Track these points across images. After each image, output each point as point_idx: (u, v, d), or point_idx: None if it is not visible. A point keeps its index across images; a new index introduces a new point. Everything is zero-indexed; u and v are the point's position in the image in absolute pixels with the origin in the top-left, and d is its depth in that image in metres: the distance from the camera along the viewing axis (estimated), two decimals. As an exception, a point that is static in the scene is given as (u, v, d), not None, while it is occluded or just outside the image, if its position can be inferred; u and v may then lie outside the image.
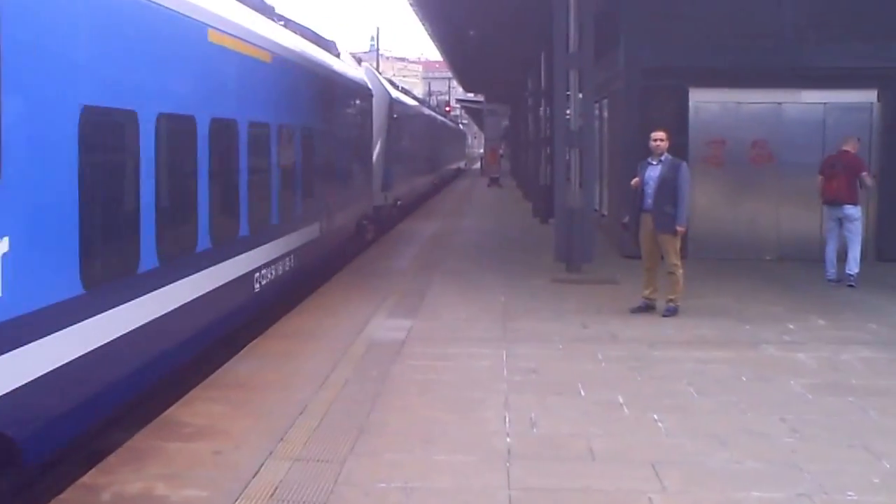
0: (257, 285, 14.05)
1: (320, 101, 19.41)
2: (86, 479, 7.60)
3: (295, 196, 16.74)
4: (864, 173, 17.54)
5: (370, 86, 27.33)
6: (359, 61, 29.75)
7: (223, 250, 12.48)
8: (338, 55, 23.72)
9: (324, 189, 19.09)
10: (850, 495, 7.28)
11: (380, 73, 37.06)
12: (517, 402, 9.71)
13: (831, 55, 20.59)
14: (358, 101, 24.58)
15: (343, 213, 21.40)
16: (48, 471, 8.69)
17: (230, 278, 12.76)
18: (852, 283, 17.18)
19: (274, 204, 15.19)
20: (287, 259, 15.82)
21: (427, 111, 54.53)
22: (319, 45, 20.87)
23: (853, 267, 17.36)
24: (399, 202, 33.50)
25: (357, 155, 24.14)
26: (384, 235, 28.25)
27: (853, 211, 17.55)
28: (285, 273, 15.66)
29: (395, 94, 34.41)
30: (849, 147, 17.84)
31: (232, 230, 13.08)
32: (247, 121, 13.56)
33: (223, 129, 12.66)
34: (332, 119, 20.91)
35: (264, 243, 14.46)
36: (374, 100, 27.65)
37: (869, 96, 21.15)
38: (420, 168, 44.06)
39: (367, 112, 26.08)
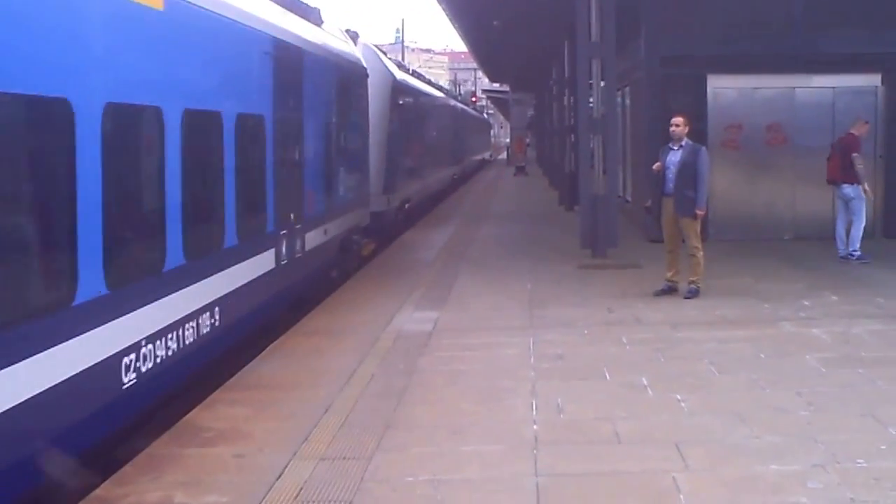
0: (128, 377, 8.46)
1: (278, 79, 13.45)
2: (100, 491, 7.30)
3: (214, 219, 11.07)
4: (854, 154, 17.44)
5: (365, 65, 21.35)
6: (355, 37, 23.12)
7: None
8: (319, 24, 17.52)
9: (283, 202, 13.46)
10: (860, 463, 7.32)
11: (384, 53, 28.34)
12: (544, 389, 9.67)
13: (839, 41, 20.76)
14: (346, 83, 18.65)
15: (318, 232, 15.60)
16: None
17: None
18: (865, 260, 17.20)
19: (169, 235, 9.48)
20: (204, 319, 10.27)
21: (444, 98, 47.55)
22: (289, 9, 15.13)
23: (853, 244, 17.47)
24: (408, 204, 27.60)
25: (343, 151, 18.39)
26: (385, 249, 23.06)
27: (849, 190, 17.62)
28: (197, 345, 10.08)
29: (400, 75, 27.97)
30: (854, 129, 17.88)
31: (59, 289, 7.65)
32: (101, 102, 8.03)
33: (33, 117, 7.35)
34: (300, 105, 14.89)
35: (138, 307, 8.69)
36: (370, 82, 21.93)
37: (874, 80, 21.31)
38: (437, 161, 37.88)
39: (360, 97, 20.26)
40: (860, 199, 17.52)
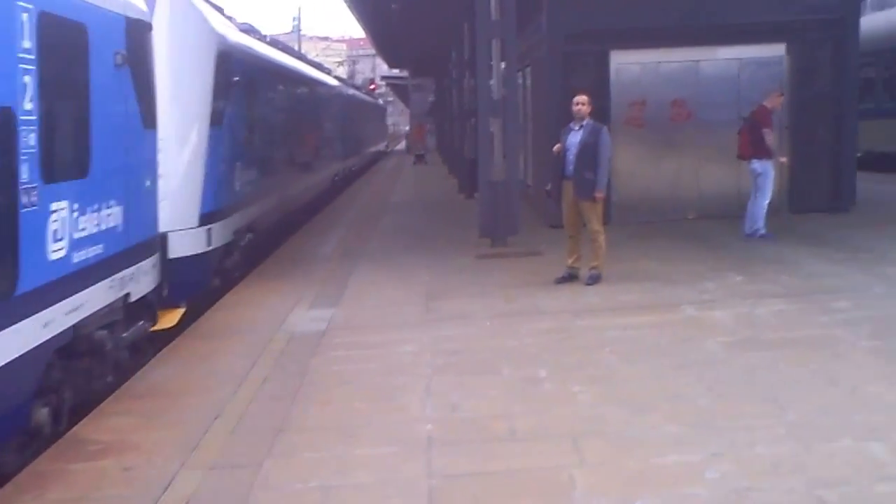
0: None
1: None
2: None
3: None
4: (765, 129, 17.75)
5: (145, 9, 12.19)
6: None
7: None
8: None
9: None
10: (758, 449, 7.48)
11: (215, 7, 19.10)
12: (439, 386, 9.71)
13: (743, 11, 20.97)
14: (81, 40, 9.81)
15: None
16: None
17: None
18: (769, 238, 17.55)
19: None
20: None
21: (320, 77, 36.37)
22: None
23: (756, 222, 17.90)
24: (252, 235, 18.42)
25: (79, 159, 9.95)
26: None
27: (756, 165, 17.96)
28: None
29: (234, 38, 18.85)
30: (767, 102, 18.16)
31: None
32: None
33: None
34: None
35: None
36: (173, 43, 14.62)
37: (779, 50, 21.57)
38: (308, 163, 28.77)
39: (135, 64, 11.16)
40: (766, 176, 17.78)
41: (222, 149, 16.22)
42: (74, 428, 9.20)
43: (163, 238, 13.22)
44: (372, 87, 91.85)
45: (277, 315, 13.72)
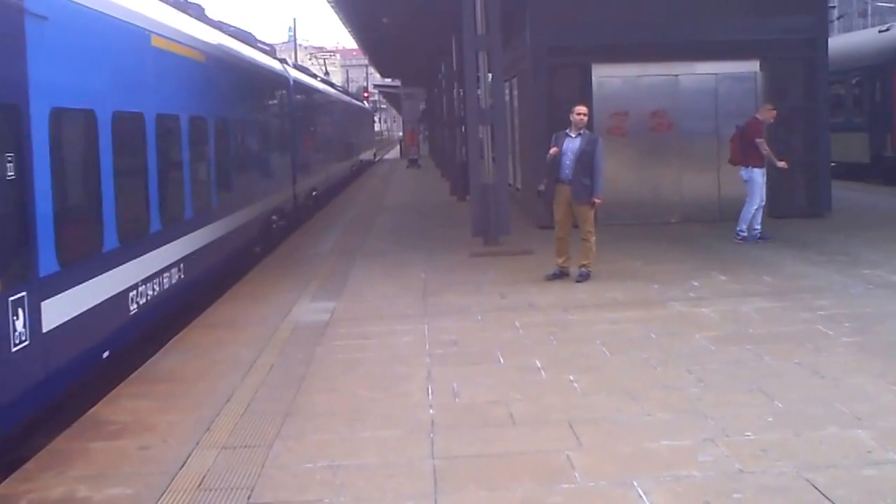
0: None
1: None
2: (1, 488, 7.21)
3: None
4: (758, 140, 17.73)
5: None
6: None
7: None
8: None
9: None
10: (748, 435, 7.48)
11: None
12: (439, 375, 9.68)
13: (720, 29, 21.07)
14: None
15: None
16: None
17: None
18: (750, 241, 17.60)
19: None
20: None
21: (294, 76, 27.79)
22: None
23: (740, 223, 17.84)
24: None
25: None
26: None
27: (743, 173, 17.98)
28: None
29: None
30: (759, 114, 18.34)
31: None
32: None
33: None
34: None
35: None
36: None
37: (753, 66, 21.74)
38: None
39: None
40: (752, 182, 17.77)
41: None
42: (93, 409, 9.19)
43: None
44: (366, 94, 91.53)
45: (281, 308, 13.66)
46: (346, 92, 64.47)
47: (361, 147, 61.13)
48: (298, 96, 28.06)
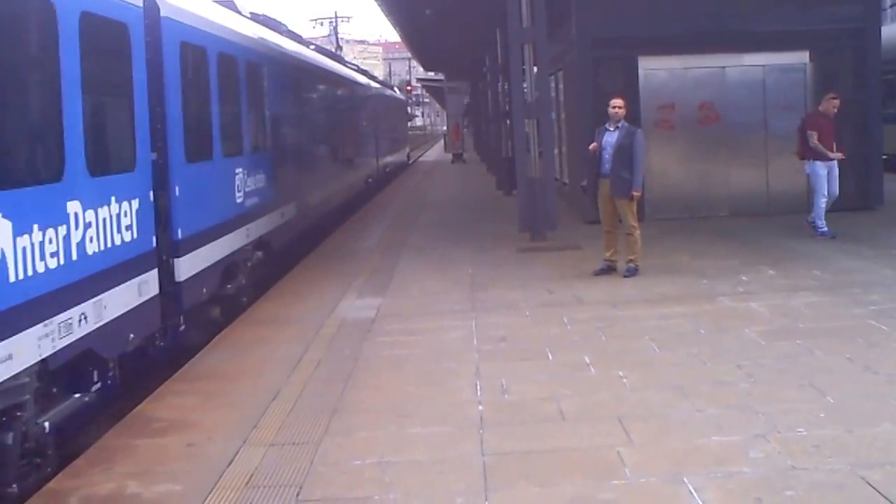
0: None
1: None
2: (53, 484, 7.31)
3: None
4: (809, 132, 17.50)
5: None
6: None
7: None
8: None
9: None
10: (800, 431, 7.42)
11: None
12: (488, 371, 9.70)
13: (768, 20, 20.94)
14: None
15: None
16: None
17: None
18: (824, 232, 17.25)
19: None
20: None
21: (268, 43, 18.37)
22: None
23: (815, 220, 17.44)
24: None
25: None
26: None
27: (806, 166, 17.67)
28: None
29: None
30: (822, 105, 17.99)
31: None
32: None
33: None
34: None
35: None
36: None
37: (802, 57, 21.41)
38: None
39: None
40: (814, 176, 17.51)
41: None
42: (138, 406, 9.28)
43: None
44: (409, 87, 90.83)
45: (327, 304, 13.73)
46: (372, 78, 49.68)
47: (393, 148, 49.09)
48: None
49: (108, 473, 7.44)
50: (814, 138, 17.40)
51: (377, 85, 47.14)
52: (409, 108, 77.79)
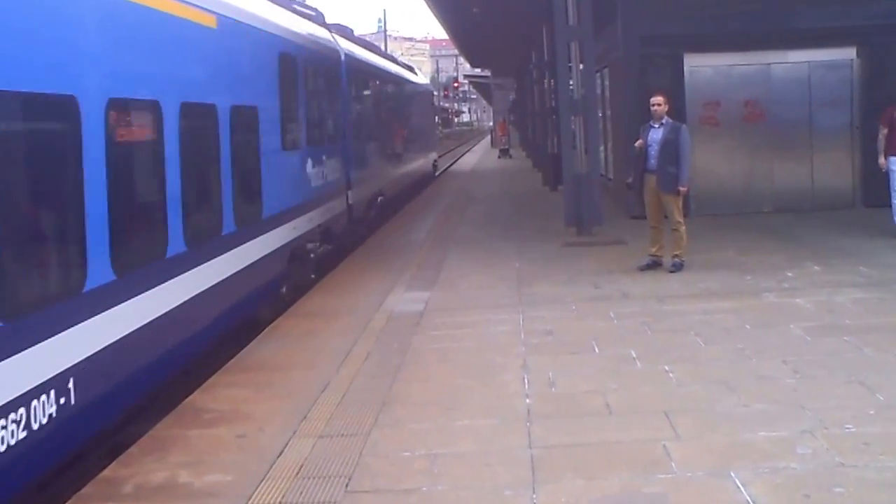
0: None
1: None
2: (107, 472, 7.36)
3: None
4: (881, 128, 16.78)
5: None
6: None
7: None
8: None
9: None
10: (848, 428, 7.29)
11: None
12: (535, 364, 9.65)
13: (813, 16, 20.65)
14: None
15: None
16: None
17: None
18: None
19: None
20: None
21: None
22: None
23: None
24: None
25: None
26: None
27: (889, 162, 16.77)
28: None
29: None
30: None
31: None
32: None
33: None
34: None
35: None
36: None
37: (849, 53, 21.20)
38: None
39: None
40: (891, 172, 16.74)
41: None
42: (189, 397, 9.32)
43: None
44: (455, 84, 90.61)
45: (375, 297, 13.73)
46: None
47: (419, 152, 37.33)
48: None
49: (160, 463, 7.48)
50: (881, 134, 16.86)
51: (417, 82, 40.05)
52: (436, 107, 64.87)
